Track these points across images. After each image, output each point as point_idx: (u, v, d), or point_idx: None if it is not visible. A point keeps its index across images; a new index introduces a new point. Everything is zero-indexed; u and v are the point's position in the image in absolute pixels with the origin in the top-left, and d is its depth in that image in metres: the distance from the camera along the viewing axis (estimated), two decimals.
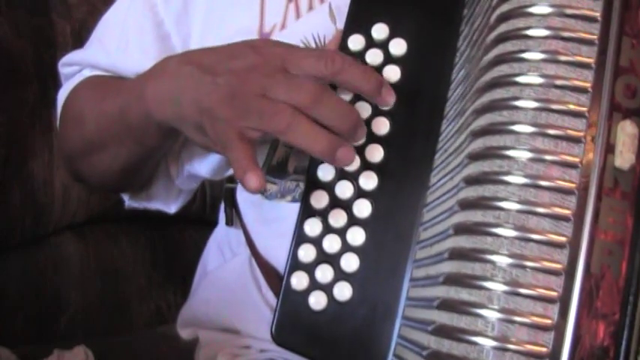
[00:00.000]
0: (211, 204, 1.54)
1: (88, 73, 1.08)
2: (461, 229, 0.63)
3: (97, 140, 0.99)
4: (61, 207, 1.36)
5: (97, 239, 1.44)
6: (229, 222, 1.10)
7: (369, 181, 0.76)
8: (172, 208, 1.11)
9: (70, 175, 1.17)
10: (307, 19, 0.96)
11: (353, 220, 0.76)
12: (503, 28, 0.64)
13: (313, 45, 0.93)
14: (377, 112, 0.77)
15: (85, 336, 1.31)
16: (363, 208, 0.76)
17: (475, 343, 0.59)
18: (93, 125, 0.99)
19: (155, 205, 1.10)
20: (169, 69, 0.81)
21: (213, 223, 1.20)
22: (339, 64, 0.73)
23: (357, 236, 0.75)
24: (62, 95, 1.10)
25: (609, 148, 0.58)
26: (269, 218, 0.99)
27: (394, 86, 0.78)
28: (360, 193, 0.76)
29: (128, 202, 1.12)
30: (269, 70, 0.73)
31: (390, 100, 0.76)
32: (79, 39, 1.36)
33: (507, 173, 0.60)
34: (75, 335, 1.32)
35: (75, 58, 1.11)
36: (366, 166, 0.76)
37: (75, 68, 1.10)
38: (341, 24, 0.81)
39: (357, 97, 0.78)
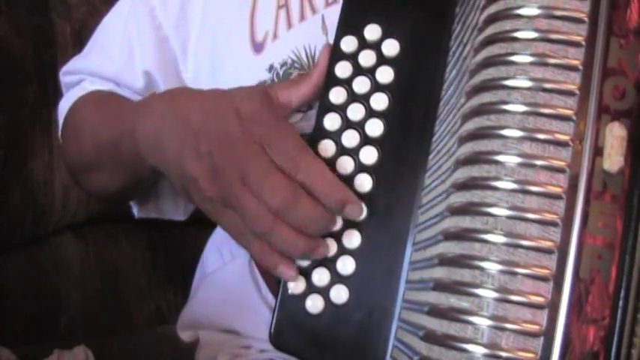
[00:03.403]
0: None
1: (88, 85, 1.08)
2: (450, 235, 0.62)
3: (94, 163, 1.00)
4: (61, 207, 1.36)
5: (97, 239, 1.44)
6: None
7: (363, 183, 0.76)
8: (183, 216, 1.12)
9: (74, 183, 1.17)
10: (299, 30, 0.95)
11: (348, 223, 0.75)
12: (490, 30, 0.64)
13: (304, 57, 0.93)
14: (371, 113, 0.77)
15: (85, 336, 1.31)
16: None
17: (464, 350, 0.58)
18: (89, 149, 0.99)
19: (165, 216, 1.11)
20: (156, 113, 0.80)
21: (214, 224, 1.20)
22: (304, 176, 0.72)
23: (352, 239, 0.75)
24: (63, 108, 1.10)
25: (598, 151, 0.57)
26: None
27: (388, 87, 0.77)
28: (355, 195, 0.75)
29: (138, 213, 1.12)
30: (249, 152, 0.73)
31: (356, 215, 0.75)
32: (79, 39, 1.36)
33: (495, 179, 0.60)
34: (75, 335, 1.32)
35: (77, 66, 1.11)
36: (360, 168, 0.76)
37: (76, 78, 1.10)
38: (332, 37, 0.80)
39: (351, 99, 0.78)
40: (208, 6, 1.00)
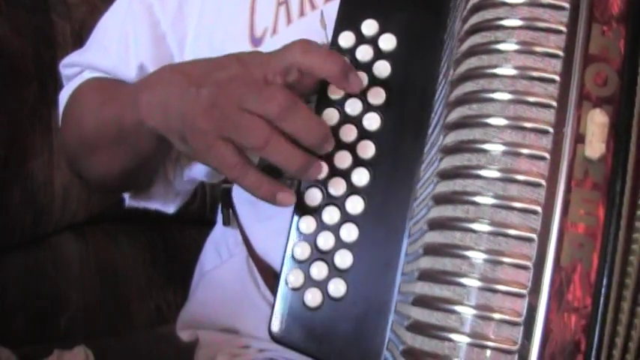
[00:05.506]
0: (211, 204, 1.54)
1: (88, 74, 1.09)
2: (433, 225, 0.63)
3: (96, 144, 1.01)
4: (61, 207, 1.36)
5: (97, 239, 1.44)
6: (226, 222, 1.10)
7: (361, 177, 0.76)
8: (171, 209, 1.12)
9: (73, 174, 1.18)
10: (298, 25, 0.96)
11: (346, 217, 0.76)
12: (474, 19, 0.64)
13: None
14: (368, 107, 0.77)
15: (85, 336, 1.30)
16: (355, 205, 0.76)
17: (448, 339, 0.58)
18: (91, 129, 1.00)
19: (154, 205, 1.11)
20: (163, 78, 0.82)
21: (213, 223, 1.20)
22: (299, 51, 0.75)
23: (350, 232, 0.75)
24: (64, 96, 1.11)
25: (579, 138, 0.57)
26: (264, 216, 0.99)
27: (384, 82, 0.78)
28: (352, 189, 0.76)
29: (128, 201, 1.13)
30: (247, 80, 0.75)
31: (356, 86, 0.76)
32: (79, 39, 1.36)
33: (476, 167, 0.60)
34: (75, 335, 1.32)
35: (76, 59, 1.12)
36: (357, 162, 0.76)
37: (76, 69, 1.12)
38: (330, 32, 0.81)
39: (349, 94, 0.78)
40: (206, 4, 1.01)
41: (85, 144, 1.03)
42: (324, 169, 0.76)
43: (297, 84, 0.77)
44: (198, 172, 1.03)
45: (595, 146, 0.57)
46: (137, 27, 1.04)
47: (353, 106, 0.77)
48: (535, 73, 0.59)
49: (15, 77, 1.32)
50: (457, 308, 0.58)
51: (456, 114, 0.63)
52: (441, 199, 0.62)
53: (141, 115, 0.83)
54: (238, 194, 1.07)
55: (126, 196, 1.13)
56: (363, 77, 0.78)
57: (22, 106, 1.32)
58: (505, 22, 0.61)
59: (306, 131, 0.73)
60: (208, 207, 1.55)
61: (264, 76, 0.75)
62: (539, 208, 0.57)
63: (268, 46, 0.95)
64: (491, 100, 0.60)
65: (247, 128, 0.72)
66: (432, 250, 0.62)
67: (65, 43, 1.37)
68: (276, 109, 0.71)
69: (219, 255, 1.14)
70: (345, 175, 0.76)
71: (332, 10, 0.84)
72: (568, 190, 0.57)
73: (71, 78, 1.12)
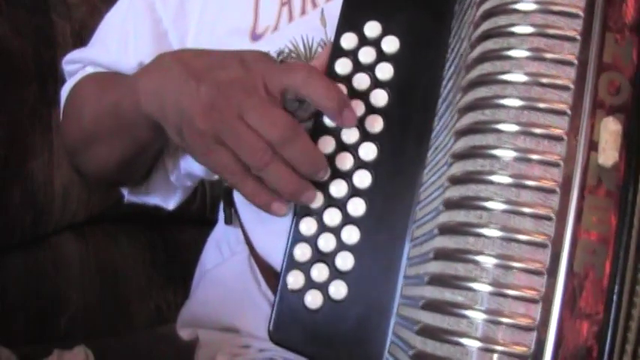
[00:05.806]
0: (211, 204, 1.54)
1: (90, 69, 1.10)
2: (445, 229, 0.63)
3: (94, 133, 1.00)
4: (61, 207, 1.36)
5: (97, 239, 1.44)
6: (228, 221, 1.10)
7: (363, 179, 0.76)
8: (170, 204, 1.11)
9: (73, 170, 1.18)
10: (299, 23, 0.96)
11: (348, 219, 0.76)
12: (486, 25, 0.64)
13: (301, 47, 0.94)
14: (370, 109, 0.77)
15: (85, 336, 1.30)
16: (357, 207, 0.76)
17: (459, 344, 0.58)
18: (91, 119, 1.00)
19: (153, 200, 1.11)
20: (162, 64, 0.82)
21: (214, 223, 1.20)
22: (301, 79, 0.74)
23: (351, 235, 0.76)
24: (65, 90, 1.11)
25: (592, 146, 0.58)
26: (265, 217, 0.98)
27: (387, 84, 0.78)
28: (354, 191, 0.76)
29: (127, 196, 1.13)
30: (248, 86, 0.75)
31: (349, 121, 0.76)
32: (79, 39, 1.36)
33: (490, 173, 0.60)
34: (75, 335, 1.31)
35: (78, 55, 1.13)
36: (360, 164, 0.77)
37: (78, 66, 1.12)
38: (331, 32, 0.81)
39: (351, 96, 0.78)
40: (208, 3, 1.01)
41: (85, 136, 1.03)
42: (319, 198, 0.77)
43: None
44: (195, 164, 1.02)
45: (608, 154, 0.57)
46: (138, 25, 1.04)
47: (356, 107, 0.77)
48: (548, 80, 0.59)
49: (15, 77, 1.32)
50: (469, 313, 0.58)
51: (467, 119, 0.63)
52: (452, 204, 0.63)
53: (138, 100, 0.84)
54: (239, 195, 1.07)
55: (125, 191, 1.12)
56: (365, 81, 0.78)
57: (22, 106, 1.32)
58: (518, 29, 0.61)
59: (304, 161, 0.74)
60: (208, 207, 1.55)
61: (265, 86, 0.75)
62: (552, 215, 0.57)
63: (268, 41, 0.96)
64: (504, 106, 0.60)
65: (249, 147, 0.73)
66: (442, 254, 0.62)
67: (65, 43, 1.37)
68: (277, 136, 0.73)
69: (221, 253, 1.14)
70: (347, 176, 0.76)
71: (333, 9, 0.85)
72: (581, 198, 0.57)
73: (73, 74, 1.12)
